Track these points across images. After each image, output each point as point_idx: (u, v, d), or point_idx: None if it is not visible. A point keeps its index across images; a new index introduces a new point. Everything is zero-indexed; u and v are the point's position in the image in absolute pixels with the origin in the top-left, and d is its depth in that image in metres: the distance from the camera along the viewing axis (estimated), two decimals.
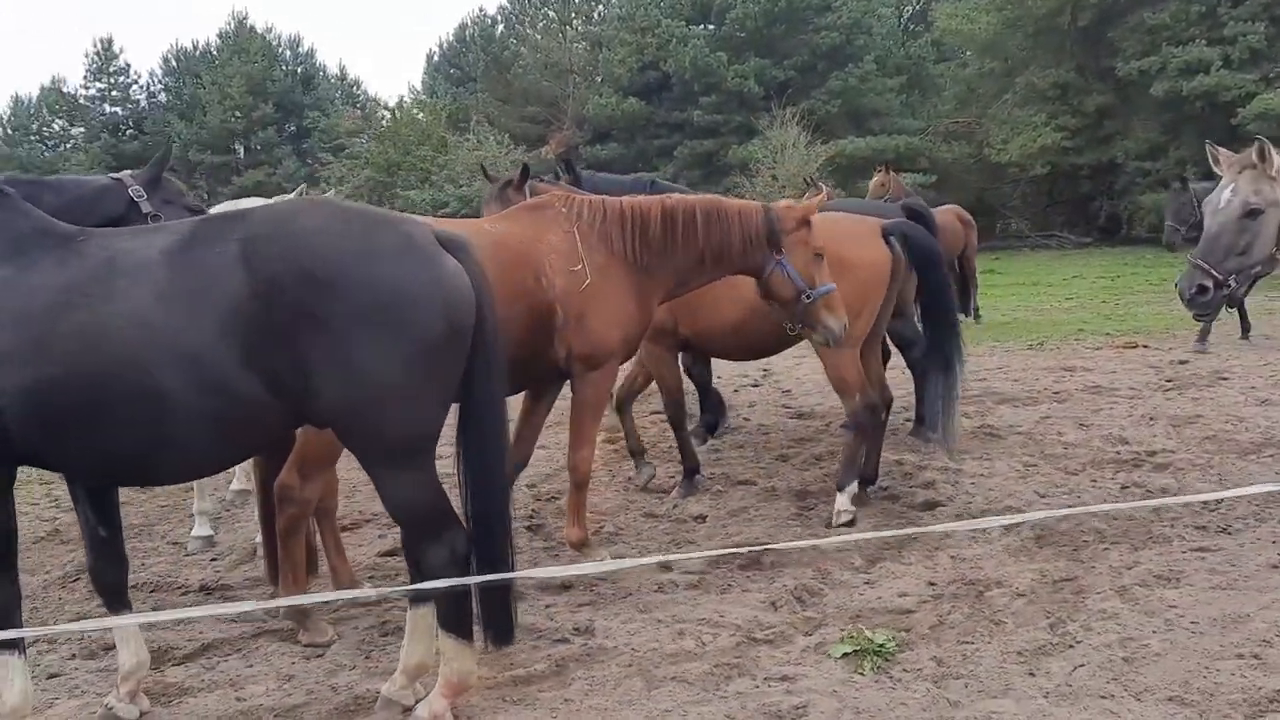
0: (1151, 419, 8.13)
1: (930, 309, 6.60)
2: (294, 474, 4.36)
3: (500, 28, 47.86)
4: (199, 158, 53.69)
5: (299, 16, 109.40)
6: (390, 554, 5.61)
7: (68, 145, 59.42)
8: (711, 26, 37.95)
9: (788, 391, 10.38)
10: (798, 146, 30.07)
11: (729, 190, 30.97)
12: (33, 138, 58.89)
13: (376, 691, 3.81)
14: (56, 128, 60.54)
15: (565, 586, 5.03)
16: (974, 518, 5.83)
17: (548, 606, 4.76)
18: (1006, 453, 7.32)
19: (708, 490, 6.70)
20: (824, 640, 4.23)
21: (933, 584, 4.85)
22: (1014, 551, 5.20)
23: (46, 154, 56.86)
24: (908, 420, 8.14)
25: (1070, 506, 5.95)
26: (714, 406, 8.27)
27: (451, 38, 53.55)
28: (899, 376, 8.27)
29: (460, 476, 3.56)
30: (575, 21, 43.99)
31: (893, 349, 8.08)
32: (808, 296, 5.12)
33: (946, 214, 14.96)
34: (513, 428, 5.08)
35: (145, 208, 4.04)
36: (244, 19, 58.10)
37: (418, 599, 3.56)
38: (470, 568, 3.50)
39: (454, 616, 3.51)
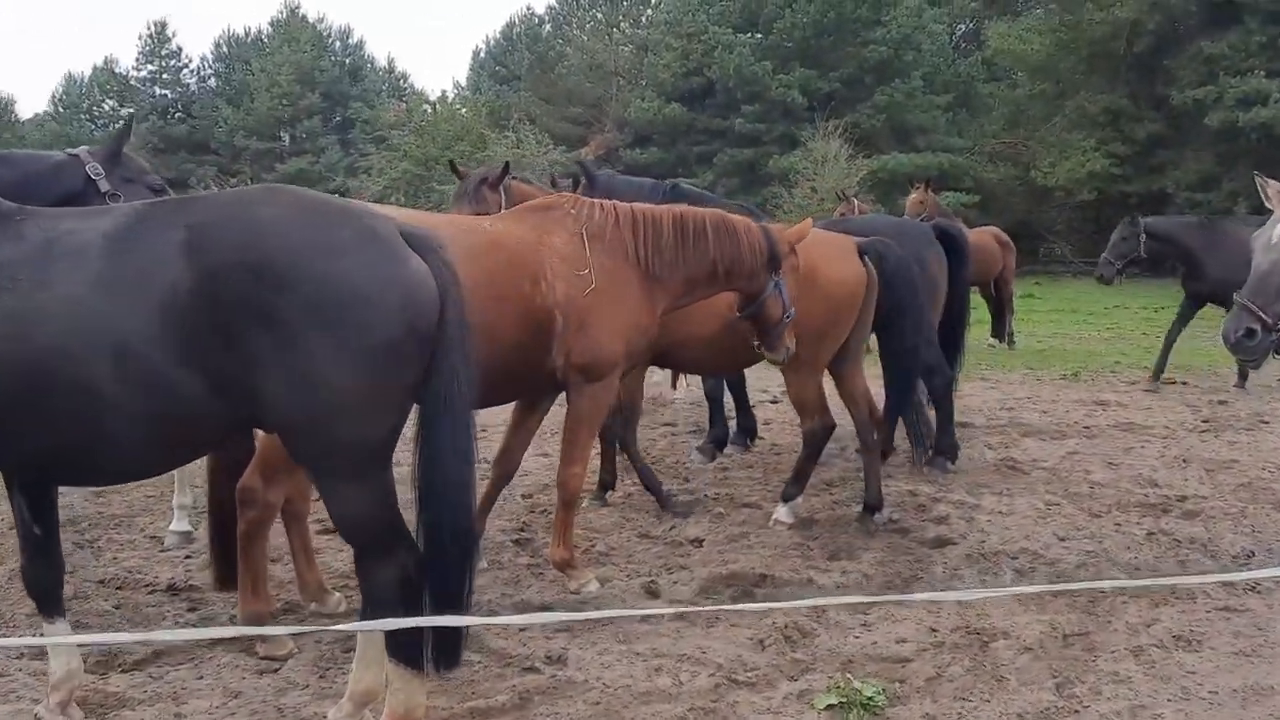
0: (1184, 461, 7.74)
1: (890, 329, 6.38)
2: (257, 476, 4.12)
3: (547, 27, 47.90)
4: (244, 143, 54.18)
5: (351, 7, 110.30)
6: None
7: (117, 125, 60.11)
8: (759, 35, 37.61)
9: None
10: (838, 160, 29.64)
11: (767, 200, 30.67)
12: (83, 116, 59.70)
13: (324, 716, 3.56)
14: (106, 107, 61.30)
15: (544, 607, 4.76)
16: (985, 558, 5.53)
17: (523, 630, 4.47)
18: (1028, 489, 6.96)
19: (709, 512, 6.40)
20: (809, 688, 3.92)
21: (934, 630, 4.53)
22: (1025, 600, 4.86)
23: (95, 133, 57.47)
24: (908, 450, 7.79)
25: (1089, 552, 5.62)
26: (724, 422, 7.98)
27: (499, 35, 53.75)
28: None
29: (416, 490, 3.29)
30: (623, 24, 43.83)
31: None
32: (788, 317, 5.10)
33: (984, 235, 14.59)
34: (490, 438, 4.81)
35: (103, 186, 3.81)
36: (296, 8, 58.60)
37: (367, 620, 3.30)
38: (422, 592, 3.24)
39: (403, 644, 3.24)
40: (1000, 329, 15.77)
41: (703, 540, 5.83)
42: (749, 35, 37.14)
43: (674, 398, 10.35)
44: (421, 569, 3.24)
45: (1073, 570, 5.31)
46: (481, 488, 5.46)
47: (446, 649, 3.33)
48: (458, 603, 3.30)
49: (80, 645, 4.04)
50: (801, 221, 5.60)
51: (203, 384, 2.91)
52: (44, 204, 3.43)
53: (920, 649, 4.34)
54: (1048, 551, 5.64)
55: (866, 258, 6.03)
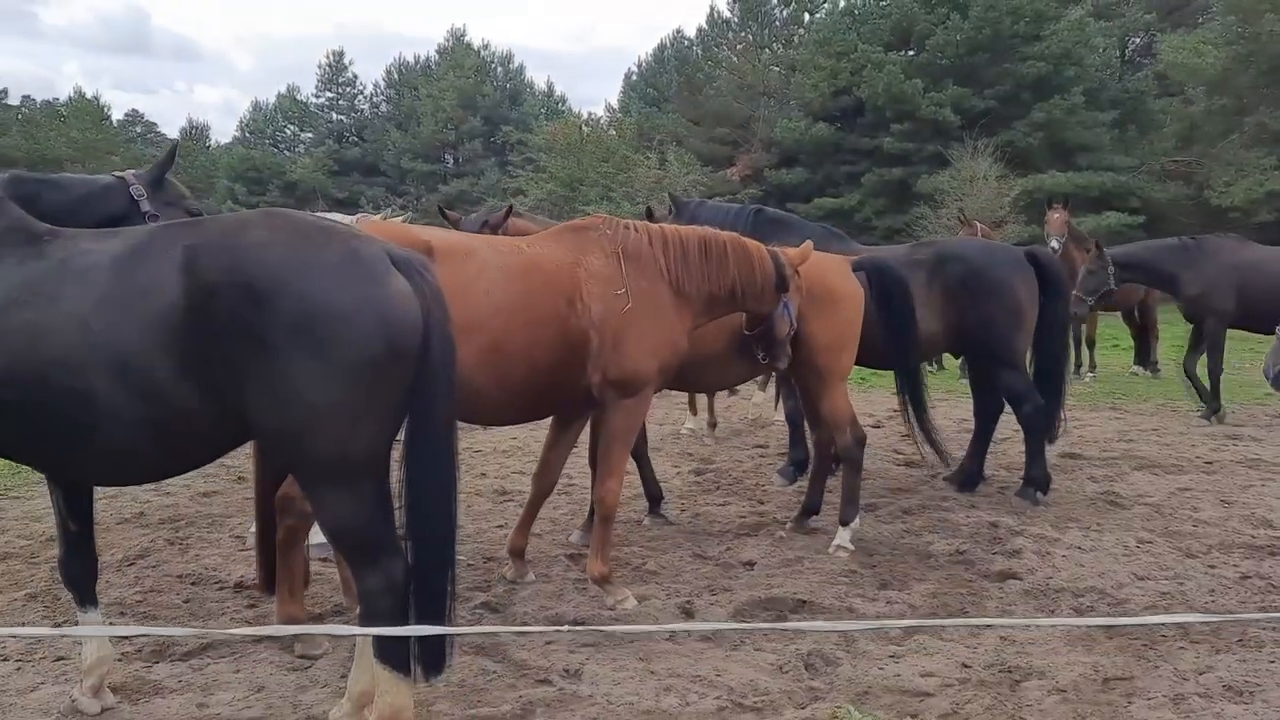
0: None
1: (892, 347, 6.40)
2: (295, 485, 4.34)
3: (697, 50, 48.26)
4: (410, 166, 56.69)
5: (513, 33, 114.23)
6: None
7: (296, 149, 64.02)
8: (910, 52, 36.87)
9: (907, 436, 9.75)
10: (988, 179, 28.70)
11: (914, 221, 29.99)
12: (266, 141, 63.64)
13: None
14: (288, 132, 65.27)
15: (578, 622, 4.83)
16: (1045, 595, 5.29)
17: (548, 643, 4.55)
18: (1122, 525, 6.59)
19: (771, 535, 6.34)
20: (814, 716, 3.85)
21: (966, 666, 4.36)
22: (1074, 639, 4.62)
23: (277, 156, 61.31)
24: (1007, 479, 7.49)
25: (1164, 594, 5.30)
26: (804, 445, 7.87)
27: (650, 58, 54.57)
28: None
29: (402, 502, 3.42)
30: (774, 45, 43.75)
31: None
32: (793, 331, 5.39)
33: None
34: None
35: (145, 207, 4.12)
36: (461, 35, 60.96)
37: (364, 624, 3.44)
38: (408, 599, 3.36)
39: (389, 648, 3.37)
40: (1144, 356, 14.98)
41: (755, 563, 5.77)
42: (900, 53, 36.43)
43: (774, 419, 10.27)
44: (408, 578, 3.36)
45: (1138, 612, 5.01)
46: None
47: (431, 656, 3.44)
48: (440, 610, 3.41)
49: (131, 637, 4.39)
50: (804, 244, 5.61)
51: (198, 396, 3.11)
52: (91, 224, 3.73)
53: (944, 684, 4.18)
54: (1119, 591, 5.34)
55: (860, 274, 6.22)
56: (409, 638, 3.41)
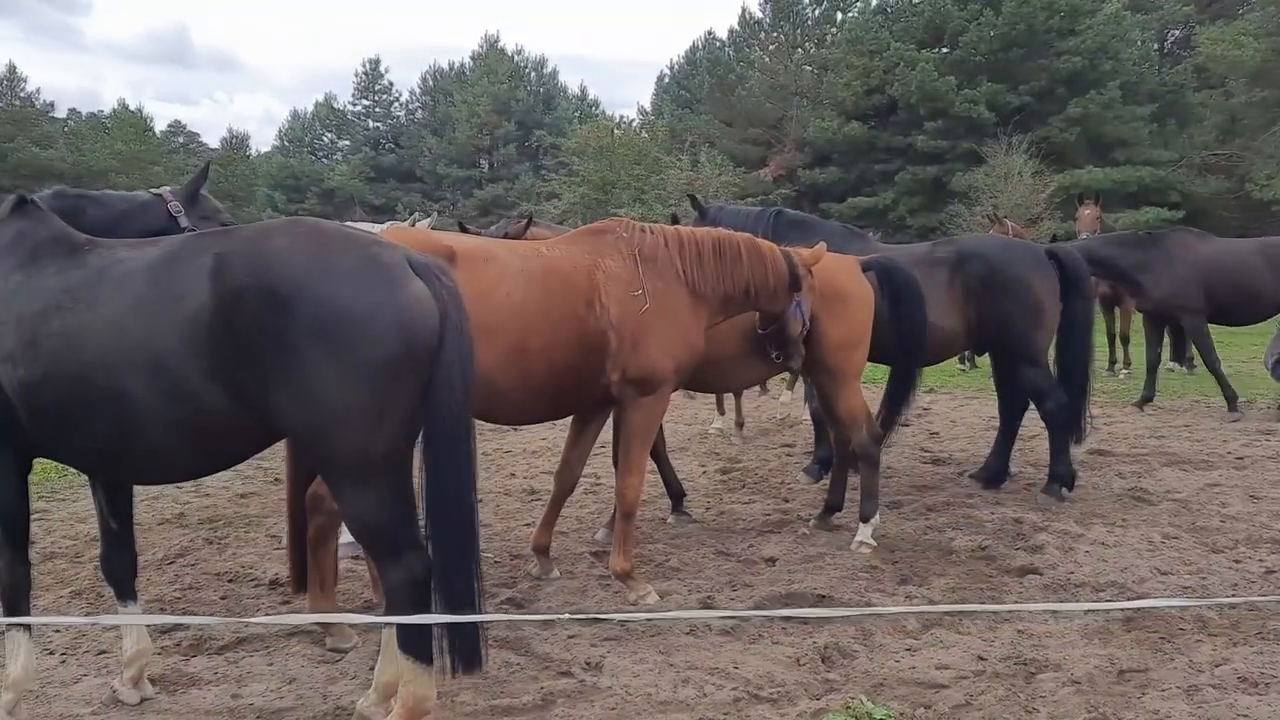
0: None
1: (901, 348, 6.43)
2: (325, 484, 4.50)
3: (729, 51, 48.26)
4: (446, 171, 57.22)
5: (547, 37, 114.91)
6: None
7: (334, 156, 64.79)
8: (944, 50, 36.65)
9: (935, 434, 9.82)
10: (1023, 176, 28.48)
11: (948, 219, 29.81)
12: (305, 149, 64.44)
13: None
14: (326, 140, 66.08)
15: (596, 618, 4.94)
16: (1065, 589, 5.32)
17: (570, 637, 4.66)
18: (1148, 521, 6.59)
19: (794, 532, 6.41)
20: (826, 707, 3.92)
21: (981, 659, 4.41)
22: (1091, 632, 4.66)
23: (315, 164, 62.07)
24: (1034, 476, 7.50)
25: (1186, 588, 5.31)
26: (829, 444, 7.92)
27: (682, 60, 54.65)
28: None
29: (423, 498, 3.54)
30: (806, 44, 43.66)
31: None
32: (806, 330, 5.49)
33: None
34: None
35: (183, 222, 4.29)
36: (495, 41, 61.36)
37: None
38: (431, 593, 3.48)
39: (412, 638, 3.49)
40: (1180, 352, 14.83)
41: (776, 559, 5.85)
42: (933, 51, 36.23)
43: (802, 419, 10.32)
44: (429, 572, 3.48)
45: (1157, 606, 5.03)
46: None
47: (465, 650, 3.53)
48: (468, 603, 3.52)
49: (169, 628, 4.56)
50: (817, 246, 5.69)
51: (227, 396, 3.26)
52: (131, 237, 3.90)
53: (959, 676, 4.24)
54: (1140, 585, 5.36)
55: (870, 273, 6.30)
56: (431, 629, 3.54)
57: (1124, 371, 14.09)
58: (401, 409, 3.33)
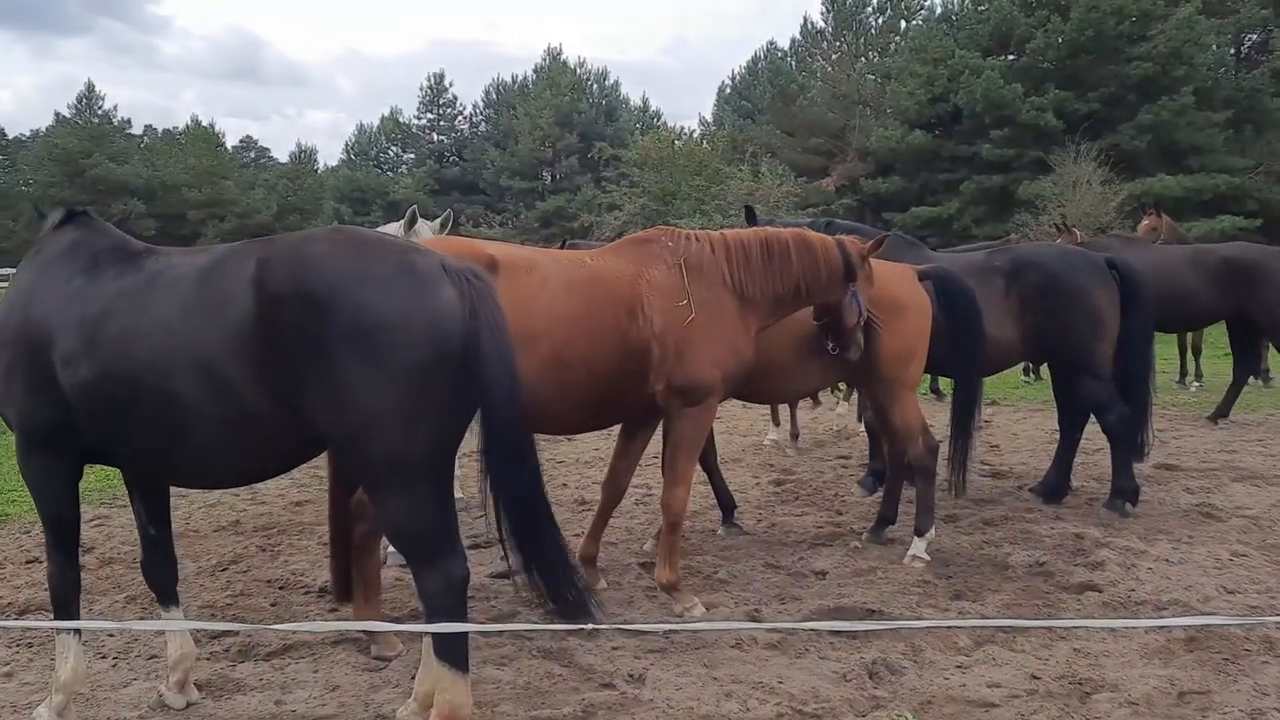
0: None
1: (957, 360, 6.33)
2: None
3: (791, 60, 48.04)
4: (508, 183, 57.73)
5: (609, 49, 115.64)
6: (502, 575, 5.65)
7: (399, 169, 65.80)
8: (1011, 57, 36.02)
9: (995, 447, 9.61)
10: (1091, 184, 27.85)
11: (1014, 229, 29.24)
12: (370, 162, 65.53)
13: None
14: (391, 153, 67.14)
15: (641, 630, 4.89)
16: (1125, 607, 5.16)
17: (614, 648, 4.63)
18: (1216, 538, 6.36)
19: (846, 545, 6.30)
20: None
21: (1035, 678, 4.29)
22: (1152, 652, 4.50)
23: (380, 177, 63.07)
24: (1097, 491, 7.29)
25: (1254, 608, 5.11)
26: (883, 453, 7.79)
27: (744, 70, 54.48)
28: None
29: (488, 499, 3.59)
30: (869, 53, 43.29)
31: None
32: (863, 319, 5.39)
33: None
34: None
35: None
36: (558, 54, 61.85)
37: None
38: (464, 598, 3.48)
39: (448, 646, 3.49)
40: (1254, 364, 14.33)
41: (827, 573, 5.76)
42: (999, 58, 35.62)
43: (857, 431, 10.19)
44: (466, 580, 3.48)
45: (1222, 626, 4.84)
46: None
47: (565, 600, 3.71)
48: (568, 592, 3.70)
49: (218, 634, 4.62)
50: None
51: (271, 400, 3.31)
52: None
53: (1011, 695, 4.13)
54: (1204, 605, 5.17)
55: (927, 283, 6.20)
56: (467, 636, 3.55)
57: (1195, 384, 13.67)
58: (436, 414, 3.34)
